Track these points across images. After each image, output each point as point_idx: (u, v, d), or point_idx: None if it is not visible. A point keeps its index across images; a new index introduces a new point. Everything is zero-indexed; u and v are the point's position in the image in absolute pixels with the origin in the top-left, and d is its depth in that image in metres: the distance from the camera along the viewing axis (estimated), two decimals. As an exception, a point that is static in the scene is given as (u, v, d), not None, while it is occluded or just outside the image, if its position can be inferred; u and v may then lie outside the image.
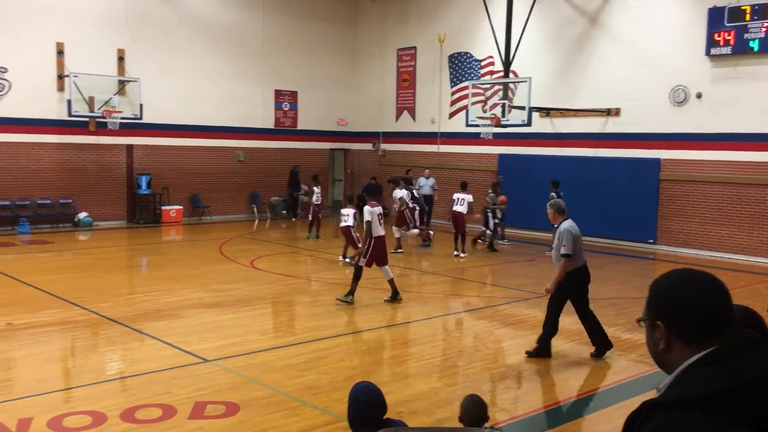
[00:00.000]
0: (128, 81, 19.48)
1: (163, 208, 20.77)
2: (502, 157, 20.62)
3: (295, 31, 23.41)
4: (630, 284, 12.92)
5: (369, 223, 10.36)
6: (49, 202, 18.90)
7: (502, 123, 18.09)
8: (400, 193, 16.40)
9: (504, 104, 18.22)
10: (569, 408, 6.93)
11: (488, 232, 16.78)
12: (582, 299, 8.01)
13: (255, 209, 22.83)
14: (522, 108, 17.57)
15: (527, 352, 8.05)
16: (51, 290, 11.09)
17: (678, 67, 16.75)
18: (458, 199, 15.72)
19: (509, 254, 16.50)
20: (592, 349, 8.12)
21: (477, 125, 19.07)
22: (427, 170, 21.18)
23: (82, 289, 11.23)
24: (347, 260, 13.73)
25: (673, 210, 17.21)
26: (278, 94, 23.43)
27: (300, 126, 24.02)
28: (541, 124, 19.29)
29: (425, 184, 20.79)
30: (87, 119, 19.03)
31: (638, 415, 1.68)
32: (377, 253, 10.47)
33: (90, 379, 7.20)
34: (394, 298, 10.65)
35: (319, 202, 17.62)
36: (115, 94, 19.22)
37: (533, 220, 17.67)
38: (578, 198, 16.69)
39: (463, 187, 16.13)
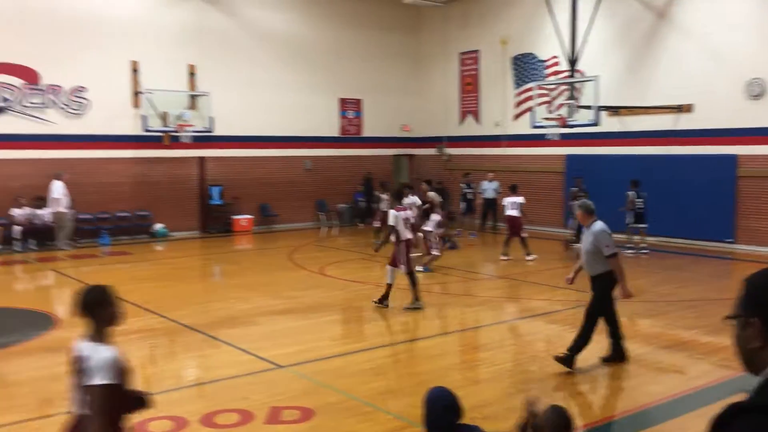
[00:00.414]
0: (199, 95, 20.12)
1: (234, 217, 21.30)
2: (569, 158, 20.28)
3: (358, 40, 23.67)
4: (709, 285, 12.50)
5: (392, 227, 10.59)
6: (127, 214, 19.67)
7: (569, 123, 17.81)
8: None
9: (570, 104, 17.95)
10: (647, 414, 6.76)
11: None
12: (610, 303, 7.74)
13: (323, 216, 23.15)
14: (589, 107, 17.27)
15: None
16: (132, 299, 11.50)
17: (753, 59, 16.14)
18: (511, 203, 15.57)
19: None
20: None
21: (543, 126, 18.83)
22: (490, 173, 21.03)
23: (161, 298, 11.64)
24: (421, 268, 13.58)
25: (751, 208, 16.55)
26: (343, 102, 23.73)
27: (365, 133, 24.26)
28: (609, 123, 18.89)
29: (488, 188, 20.69)
30: (161, 134, 19.73)
31: (723, 418, 1.62)
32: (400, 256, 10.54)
33: (170, 385, 7.45)
34: (382, 301, 10.64)
35: (387, 209, 17.65)
36: (186, 109, 19.86)
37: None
38: (651, 198, 16.27)
39: (514, 190, 16.04)
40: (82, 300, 3.76)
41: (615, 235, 7.94)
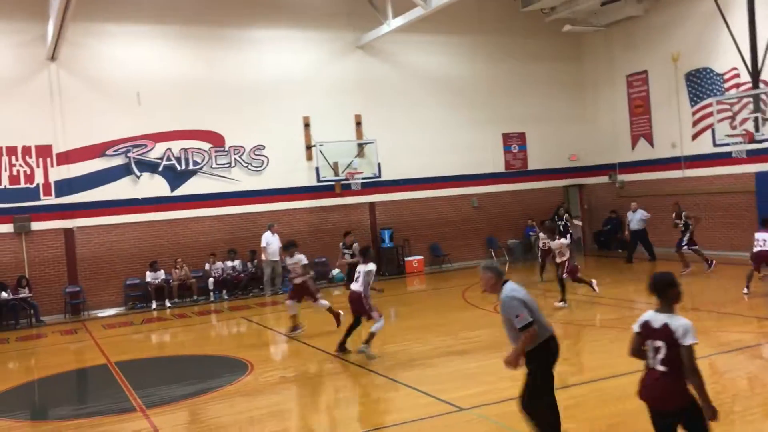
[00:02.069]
0: (366, 143, 20.92)
1: (406, 259, 21.69)
2: (759, 175, 18.60)
3: (517, 73, 23.51)
4: None
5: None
6: (306, 262, 20.63)
7: (756, 138, 16.40)
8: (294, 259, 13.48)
9: (757, 117, 16.56)
10: None
11: None
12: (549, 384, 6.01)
13: (493, 253, 22.92)
14: (779, 119, 15.81)
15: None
16: (315, 344, 12.03)
17: None
18: (763, 240, 13.61)
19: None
20: None
21: (727, 144, 17.49)
22: (633, 203, 20.12)
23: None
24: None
25: None
26: (506, 137, 23.56)
27: (530, 166, 23.87)
28: (804, 134, 17.15)
29: (632, 218, 19.68)
30: (333, 183, 20.68)
31: None
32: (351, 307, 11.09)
33: (355, 429, 7.62)
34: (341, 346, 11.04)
35: (545, 247, 17.09)
36: (355, 157, 20.72)
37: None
38: None
39: (765, 225, 14.02)
40: (653, 282, 4.94)
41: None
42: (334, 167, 20.39)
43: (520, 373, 9.59)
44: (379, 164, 20.85)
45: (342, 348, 10.92)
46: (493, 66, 23.25)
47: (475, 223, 23.03)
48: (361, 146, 21.00)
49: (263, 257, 19.21)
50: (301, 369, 10.49)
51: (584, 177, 24.67)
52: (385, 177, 21.17)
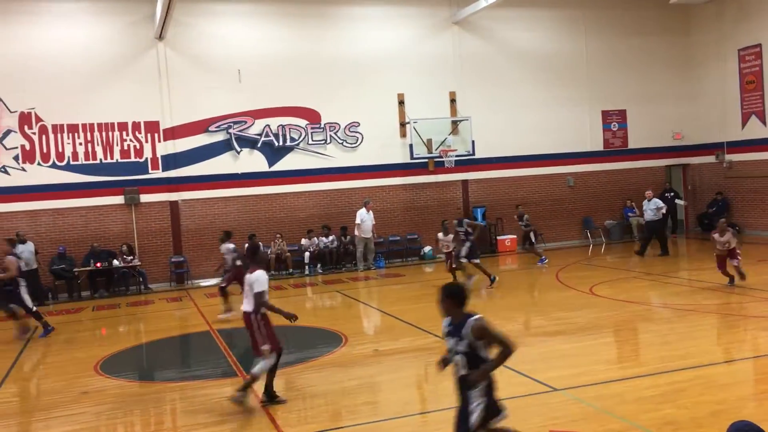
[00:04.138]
0: (460, 120, 20.77)
1: (499, 238, 21.49)
2: None
3: (619, 49, 22.68)
4: None
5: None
6: (398, 238, 20.86)
7: None
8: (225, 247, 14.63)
9: None
10: None
11: None
12: None
13: (588, 234, 22.37)
14: None
15: None
16: (407, 319, 12.16)
17: None
18: None
19: None
20: None
21: None
22: (648, 191, 18.77)
23: (434, 318, 12.06)
24: None
25: None
26: (605, 114, 22.83)
27: (631, 145, 23.05)
28: None
29: (646, 208, 18.19)
30: (426, 160, 20.67)
31: None
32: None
33: (449, 404, 7.67)
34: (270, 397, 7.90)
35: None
36: (449, 134, 20.62)
37: None
38: None
39: None
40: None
41: None
42: (428, 144, 20.37)
43: (617, 356, 9.41)
44: (473, 142, 20.67)
45: (269, 395, 7.85)
46: (593, 41, 22.50)
47: (571, 202, 22.52)
48: (455, 123, 20.87)
49: (356, 233, 19.51)
50: (394, 343, 10.63)
51: (689, 156, 23.61)
52: (479, 155, 20.97)
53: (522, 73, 21.85)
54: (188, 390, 8.79)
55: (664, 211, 18.13)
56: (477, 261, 15.15)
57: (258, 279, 7.73)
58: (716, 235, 12.98)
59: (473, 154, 20.78)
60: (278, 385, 8.80)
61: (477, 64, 21.43)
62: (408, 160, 20.64)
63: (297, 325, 12.73)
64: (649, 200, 18.28)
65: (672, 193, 21.74)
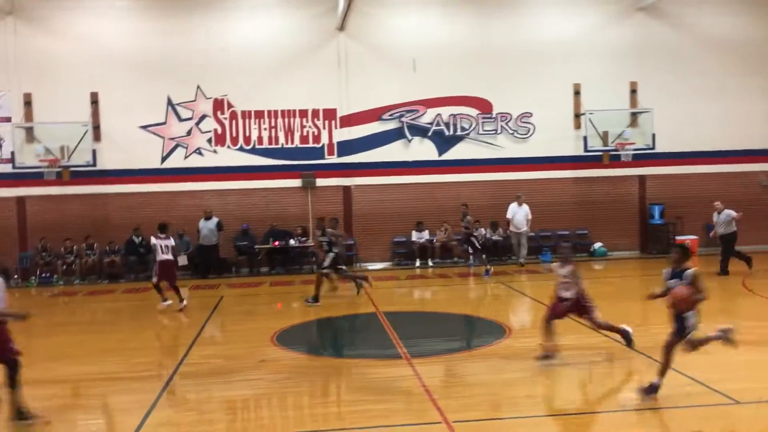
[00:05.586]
0: (640, 112, 19.71)
1: (678, 238, 20.16)
2: None
3: (830, 33, 20.38)
4: None
5: None
6: (566, 232, 20.26)
7: None
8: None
9: None
10: None
11: None
12: None
13: (784, 240, 20.41)
14: None
15: None
16: (574, 316, 11.77)
17: None
18: None
19: None
20: None
21: None
22: (717, 202, 16.19)
23: (602, 317, 11.60)
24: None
25: None
26: (808, 107, 20.64)
27: (842, 140, 20.69)
28: None
29: (718, 221, 16.03)
30: (600, 153, 19.85)
31: None
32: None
33: (610, 407, 7.40)
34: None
35: None
36: (627, 127, 19.66)
37: None
38: None
39: None
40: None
41: None
42: (603, 137, 19.56)
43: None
44: (653, 135, 19.54)
45: (18, 412, 6.99)
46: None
47: (765, 204, 20.62)
48: (634, 115, 19.84)
49: (510, 228, 19.08)
50: (559, 339, 10.36)
51: None
52: (659, 149, 19.80)
53: (709, 62, 20.31)
54: (354, 367, 9.14)
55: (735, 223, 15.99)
56: (341, 271, 14.22)
57: None
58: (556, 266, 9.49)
59: (653, 147, 19.65)
60: (439, 370, 8.91)
61: (662, 52, 20.20)
62: (581, 153, 19.95)
63: (461, 314, 12.82)
64: (719, 213, 16.28)
65: None
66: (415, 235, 19.65)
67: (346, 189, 19.86)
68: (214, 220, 18.55)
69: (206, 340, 11.28)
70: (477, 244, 17.40)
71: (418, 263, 19.40)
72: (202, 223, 18.55)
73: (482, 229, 18.88)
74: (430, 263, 19.41)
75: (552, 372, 8.74)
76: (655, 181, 20.54)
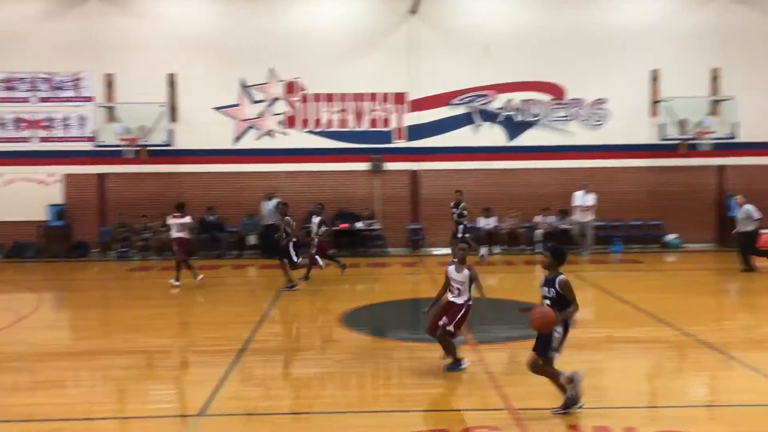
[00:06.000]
0: (722, 100, 18.97)
1: (762, 232, 19.34)
2: None
3: None
4: None
5: None
6: (639, 223, 19.76)
7: None
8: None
9: None
10: None
11: None
12: None
13: None
14: None
15: None
16: (644, 308, 11.55)
17: None
18: None
19: None
20: None
21: None
22: (738, 196, 15.43)
23: (674, 310, 11.33)
24: None
25: None
26: None
27: None
28: None
29: (739, 216, 14.86)
30: (678, 142, 19.22)
31: None
32: None
33: (677, 401, 7.23)
34: None
35: None
36: (707, 115, 18.96)
37: None
38: None
39: None
40: None
41: None
42: (681, 125, 18.90)
43: None
44: (736, 124, 18.78)
45: None
46: None
47: None
48: (715, 103, 19.09)
49: (573, 216, 18.72)
50: (628, 331, 10.18)
51: None
52: (742, 138, 19.02)
53: (800, 48, 19.33)
54: (417, 351, 9.20)
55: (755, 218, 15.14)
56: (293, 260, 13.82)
57: None
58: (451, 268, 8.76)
59: (735, 137, 18.88)
60: (503, 357, 8.91)
61: (748, 37, 19.33)
62: (656, 141, 19.37)
63: (524, 301, 12.72)
64: (740, 206, 15.51)
65: None
66: (482, 221, 19.53)
67: (414, 173, 19.88)
68: (274, 201, 18.88)
69: (275, 318, 11.57)
70: (460, 233, 16.27)
71: (484, 249, 19.22)
72: (263, 204, 18.93)
73: (480, 219, 18.71)
74: (498, 249, 19.26)
75: (621, 363, 8.62)
76: (736, 172, 19.74)
